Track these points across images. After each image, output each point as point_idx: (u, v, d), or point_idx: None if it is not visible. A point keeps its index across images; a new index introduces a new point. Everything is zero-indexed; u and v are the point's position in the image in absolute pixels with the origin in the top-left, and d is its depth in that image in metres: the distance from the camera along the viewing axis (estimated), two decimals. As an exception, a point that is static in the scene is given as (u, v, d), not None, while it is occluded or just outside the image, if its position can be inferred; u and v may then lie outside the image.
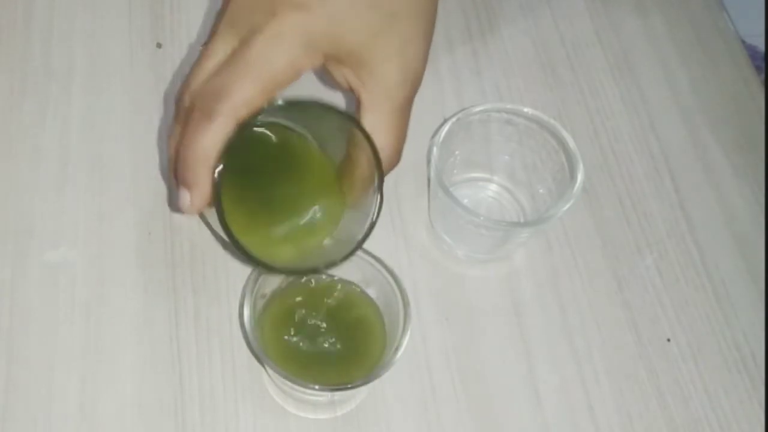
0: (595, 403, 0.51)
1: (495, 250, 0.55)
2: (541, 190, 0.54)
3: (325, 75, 0.46)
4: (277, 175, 0.46)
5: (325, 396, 0.48)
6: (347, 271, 0.49)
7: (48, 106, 0.57)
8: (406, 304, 0.46)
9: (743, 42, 0.68)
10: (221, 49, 0.42)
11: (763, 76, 0.68)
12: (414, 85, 0.43)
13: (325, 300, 0.48)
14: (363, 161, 0.42)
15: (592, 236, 0.57)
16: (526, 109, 0.53)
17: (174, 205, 0.52)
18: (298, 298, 0.48)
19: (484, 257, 0.55)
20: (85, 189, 0.55)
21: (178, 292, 0.52)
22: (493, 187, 0.57)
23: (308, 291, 0.48)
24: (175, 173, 0.43)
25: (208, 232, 0.54)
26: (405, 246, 0.55)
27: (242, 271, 0.52)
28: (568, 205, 0.50)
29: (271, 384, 0.50)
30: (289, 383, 0.44)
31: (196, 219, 0.54)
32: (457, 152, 0.53)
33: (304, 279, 0.48)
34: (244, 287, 0.49)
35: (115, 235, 0.53)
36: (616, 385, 0.52)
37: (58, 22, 0.61)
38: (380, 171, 0.42)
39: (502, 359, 0.52)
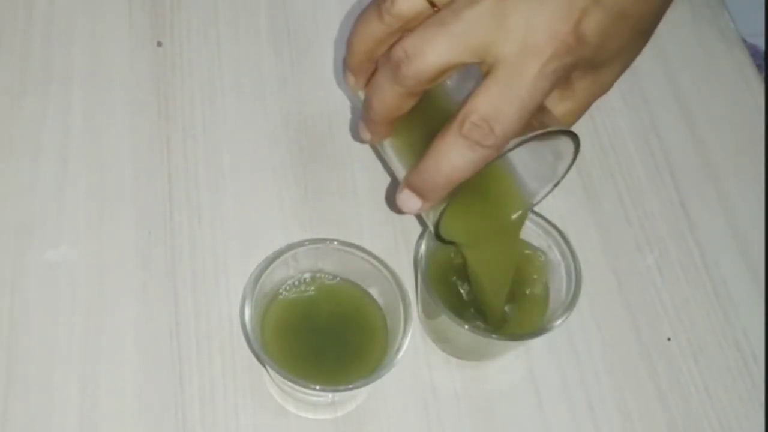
0: (596, 402, 0.51)
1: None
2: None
3: None
4: None
5: (325, 396, 0.48)
6: (348, 271, 0.49)
7: (48, 106, 0.57)
8: (407, 305, 0.46)
9: (744, 41, 0.68)
10: (475, 38, 0.38)
11: (763, 75, 0.68)
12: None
13: (326, 300, 0.48)
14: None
15: (592, 235, 0.57)
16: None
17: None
18: (299, 298, 0.48)
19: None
20: (86, 188, 0.55)
21: (178, 292, 0.52)
22: None
23: (309, 291, 0.49)
24: (408, 181, 0.42)
25: (208, 232, 0.54)
26: (405, 246, 0.55)
27: (243, 270, 0.52)
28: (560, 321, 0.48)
29: (271, 384, 0.50)
30: (289, 383, 0.44)
31: (196, 218, 0.54)
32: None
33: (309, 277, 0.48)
34: (245, 287, 0.49)
35: (115, 235, 0.53)
36: (616, 384, 0.52)
37: (58, 21, 0.61)
38: (576, 143, 0.42)
39: (502, 359, 0.52)
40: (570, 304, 0.48)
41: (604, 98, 0.62)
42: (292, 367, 0.45)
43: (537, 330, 0.48)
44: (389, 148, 0.45)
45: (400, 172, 0.44)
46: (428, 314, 0.51)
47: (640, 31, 0.41)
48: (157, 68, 0.60)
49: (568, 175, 0.48)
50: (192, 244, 0.53)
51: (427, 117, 0.42)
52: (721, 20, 0.67)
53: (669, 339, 0.54)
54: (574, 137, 0.42)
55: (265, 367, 0.49)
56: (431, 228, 0.43)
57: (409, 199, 0.41)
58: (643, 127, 0.62)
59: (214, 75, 0.60)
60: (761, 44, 0.74)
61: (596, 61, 0.40)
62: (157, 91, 0.59)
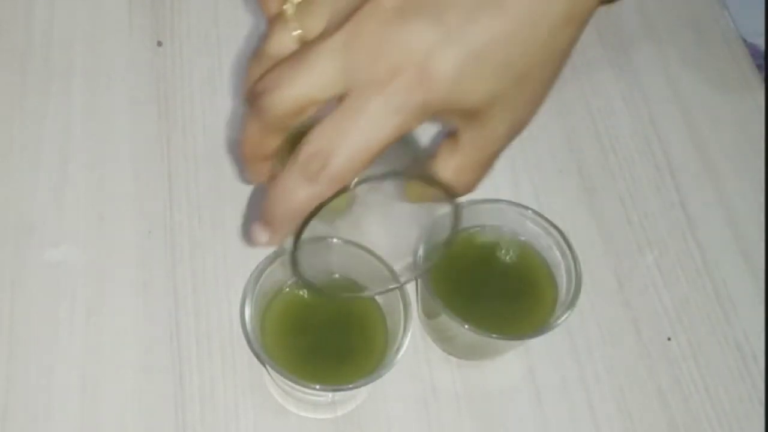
0: (596, 402, 0.51)
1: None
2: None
3: None
4: None
5: (326, 396, 0.48)
6: (348, 271, 0.49)
7: (48, 105, 0.57)
8: (407, 305, 0.46)
9: (744, 41, 0.68)
10: (325, 72, 0.37)
11: (763, 75, 0.68)
12: (517, 134, 0.41)
13: (326, 300, 0.48)
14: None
15: (592, 235, 0.57)
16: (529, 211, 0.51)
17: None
18: (299, 298, 0.48)
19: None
20: (86, 188, 0.55)
21: (178, 292, 0.52)
22: None
23: (309, 290, 0.49)
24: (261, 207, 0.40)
25: (208, 232, 0.54)
26: (405, 245, 0.55)
27: (243, 270, 0.52)
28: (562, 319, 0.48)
29: (271, 384, 0.50)
30: (290, 383, 0.44)
31: (196, 218, 0.54)
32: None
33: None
34: (245, 286, 0.49)
35: (115, 234, 0.53)
36: (616, 384, 0.52)
37: (59, 21, 0.61)
38: (457, 213, 0.41)
39: (502, 359, 0.52)
40: (570, 304, 0.48)
41: (605, 97, 0.63)
42: (292, 367, 0.45)
43: (537, 330, 0.48)
44: None
45: None
46: (428, 314, 0.51)
47: (517, 79, 0.38)
48: (157, 68, 0.60)
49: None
50: (192, 244, 0.53)
51: None
52: (721, 20, 0.68)
53: (669, 339, 0.54)
54: (453, 202, 0.40)
55: (265, 366, 0.49)
56: (289, 260, 0.42)
57: (257, 232, 0.40)
58: (643, 127, 0.62)
59: (214, 75, 0.60)
60: (761, 44, 0.74)
61: (466, 106, 0.38)
62: (157, 91, 0.59)
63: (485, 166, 0.41)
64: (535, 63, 0.38)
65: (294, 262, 0.41)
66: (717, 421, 0.51)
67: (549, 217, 0.50)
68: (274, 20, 0.39)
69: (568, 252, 0.49)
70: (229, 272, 0.53)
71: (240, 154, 0.41)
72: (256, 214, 0.39)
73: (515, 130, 0.40)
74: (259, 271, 0.46)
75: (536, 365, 0.52)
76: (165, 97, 0.58)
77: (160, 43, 0.61)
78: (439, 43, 0.35)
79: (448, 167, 0.40)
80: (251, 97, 0.39)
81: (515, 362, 0.52)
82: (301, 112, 0.38)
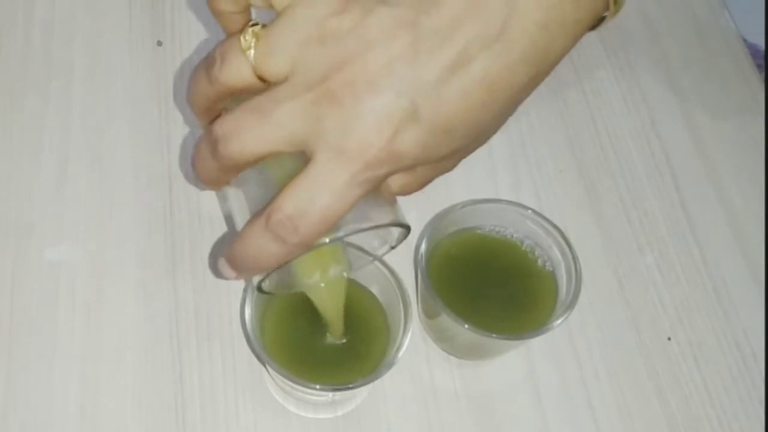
0: (596, 402, 0.51)
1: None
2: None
3: None
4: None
5: (325, 396, 0.48)
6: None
7: (49, 105, 0.57)
8: (407, 304, 0.46)
9: (744, 40, 0.68)
10: (291, 130, 0.36)
11: (763, 74, 0.68)
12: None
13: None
14: None
15: (592, 234, 0.57)
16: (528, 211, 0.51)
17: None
18: (299, 298, 0.48)
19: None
20: (86, 187, 0.55)
21: (178, 291, 0.52)
22: None
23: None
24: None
25: (208, 232, 0.54)
26: (405, 245, 0.55)
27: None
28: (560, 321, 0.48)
29: (271, 383, 0.50)
30: (289, 383, 0.44)
31: (196, 217, 0.54)
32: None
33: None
34: (245, 286, 0.49)
35: (115, 234, 0.53)
36: (616, 383, 0.52)
37: (59, 21, 0.61)
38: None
39: (502, 359, 0.52)
40: (570, 304, 0.48)
41: (605, 97, 0.63)
42: (292, 367, 0.45)
43: (537, 330, 0.48)
44: (230, 197, 0.44)
45: (237, 223, 0.43)
46: (428, 313, 0.51)
47: (479, 133, 0.39)
48: (158, 68, 0.60)
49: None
50: (192, 244, 0.53)
51: (261, 180, 0.40)
52: (721, 19, 0.68)
53: (669, 338, 0.54)
54: (403, 229, 0.42)
55: (265, 366, 0.49)
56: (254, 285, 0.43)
57: (224, 268, 0.41)
58: (643, 127, 0.62)
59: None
60: (761, 44, 0.74)
61: (424, 164, 0.38)
62: (158, 91, 0.59)
63: (430, 182, 0.42)
64: (500, 116, 0.38)
65: (260, 290, 0.43)
66: (717, 421, 0.51)
67: (549, 217, 0.50)
68: (232, 42, 0.38)
69: (568, 252, 0.49)
70: (229, 272, 0.53)
71: (197, 174, 0.41)
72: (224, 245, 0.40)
73: (463, 158, 0.41)
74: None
75: (536, 365, 0.52)
76: (165, 96, 0.58)
77: (160, 43, 0.61)
78: (409, 118, 0.35)
79: (396, 182, 0.40)
80: (209, 137, 0.38)
81: (515, 362, 0.52)
82: (259, 160, 0.38)
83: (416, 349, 0.52)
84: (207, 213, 0.54)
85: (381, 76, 0.35)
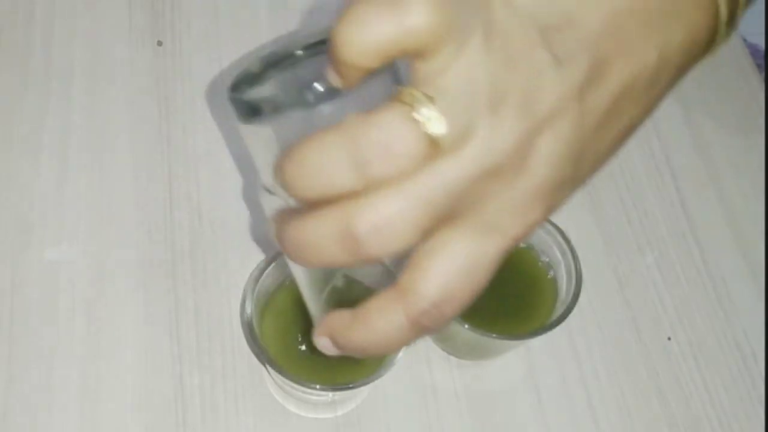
0: (596, 402, 0.51)
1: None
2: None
3: None
4: None
5: (325, 396, 0.48)
6: (349, 270, 0.49)
7: (49, 105, 0.57)
8: (406, 304, 0.46)
9: (744, 40, 0.68)
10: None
11: (763, 74, 0.68)
12: None
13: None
14: None
15: (592, 234, 0.57)
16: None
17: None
18: (300, 297, 0.48)
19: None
20: (86, 187, 0.55)
21: (178, 291, 0.52)
22: None
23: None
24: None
25: (208, 232, 0.54)
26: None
27: (243, 269, 0.52)
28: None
29: (271, 383, 0.50)
30: (290, 383, 0.44)
31: (197, 217, 0.54)
32: None
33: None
34: (245, 286, 0.49)
35: (115, 234, 0.53)
36: (616, 383, 0.52)
37: (59, 21, 0.61)
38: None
39: (502, 359, 0.52)
40: (570, 304, 0.48)
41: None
42: (292, 367, 0.45)
43: (537, 330, 0.48)
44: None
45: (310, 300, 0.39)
46: (428, 314, 0.51)
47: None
48: (158, 67, 0.60)
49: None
50: (192, 244, 0.53)
51: None
52: (721, 20, 0.67)
53: (669, 338, 0.54)
54: None
55: (265, 366, 0.49)
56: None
57: (327, 347, 0.35)
58: (643, 127, 0.62)
59: (214, 75, 0.60)
60: (761, 44, 0.74)
61: None
62: (158, 91, 0.59)
63: None
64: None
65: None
66: (717, 421, 0.51)
67: (549, 217, 0.50)
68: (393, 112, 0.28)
69: (568, 252, 0.49)
70: (229, 272, 0.53)
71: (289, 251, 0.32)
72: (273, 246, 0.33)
73: None
74: (259, 271, 0.46)
75: (536, 365, 0.52)
76: (165, 96, 0.58)
77: (160, 43, 0.61)
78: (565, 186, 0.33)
79: None
80: (343, 218, 0.29)
81: (515, 362, 0.52)
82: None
83: (416, 349, 0.52)
84: (207, 213, 0.55)
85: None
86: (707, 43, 0.35)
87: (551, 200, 0.32)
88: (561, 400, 0.51)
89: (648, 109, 0.35)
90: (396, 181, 0.28)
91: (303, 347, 0.47)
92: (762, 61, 0.69)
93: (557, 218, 0.51)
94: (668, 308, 0.55)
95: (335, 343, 0.34)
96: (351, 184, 0.29)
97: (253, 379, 0.50)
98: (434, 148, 0.28)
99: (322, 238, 0.30)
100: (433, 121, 0.28)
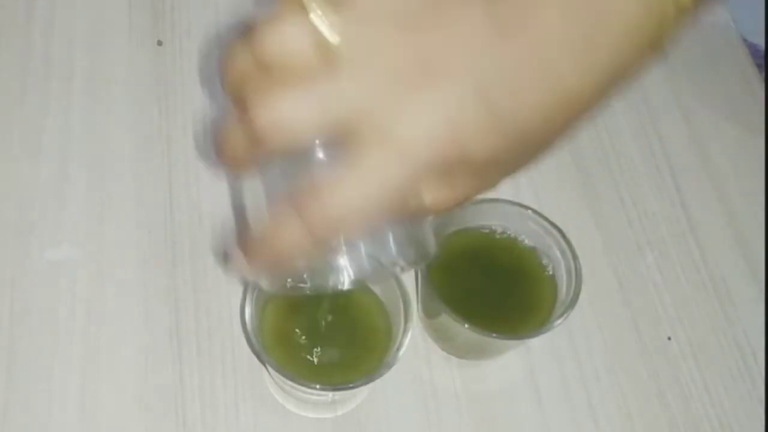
0: (596, 402, 0.51)
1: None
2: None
3: None
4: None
5: (325, 395, 0.48)
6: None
7: (49, 105, 0.57)
8: (407, 304, 0.46)
9: (744, 40, 0.68)
10: (339, 101, 0.31)
11: (763, 74, 0.68)
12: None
13: (327, 299, 0.48)
14: None
15: (592, 234, 0.57)
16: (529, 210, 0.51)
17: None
18: (299, 297, 0.48)
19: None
20: (86, 187, 0.55)
21: (178, 291, 0.52)
22: None
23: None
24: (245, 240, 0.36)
25: (208, 231, 0.54)
26: (405, 245, 0.55)
27: (243, 270, 0.52)
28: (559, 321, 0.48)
29: (271, 383, 0.50)
30: (290, 382, 0.44)
31: (197, 217, 0.54)
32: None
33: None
34: (246, 286, 0.49)
35: (115, 234, 0.53)
36: (616, 383, 0.52)
37: (59, 21, 0.61)
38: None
39: (502, 359, 0.52)
40: (570, 304, 0.48)
41: (604, 98, 0.62)
42: (292, 367, 0.45)
43: (537, 330, 0.48)
44: (247, 186, 0.40)
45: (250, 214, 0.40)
46: (428, 313, 0.51)
47: (548, 145, 0.35)
48: (158, 67, 0.60)
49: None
50: (193, 243, 0.53)
51: (287, 169, 0.35)
52: (721, 20, 0.67)
53: (669, 338, 0.54)
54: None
55: (265, 366, 0.49)
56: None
57: (239, 259, 0.36)
58: (643, 127, 0.62)
59: (215, 74, 0.60)
60: (761, 44, 0.74)
61: (483, 170, 0.34)
62: (158, 90, 0.59)
63: (468, 201, 0.38)
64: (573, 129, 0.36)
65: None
66: (717, 421, 0.51)
67: (549, 217, 0.50)
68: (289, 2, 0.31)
69: (568, 252, 0.49)
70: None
71: (216, 148, 0.35)
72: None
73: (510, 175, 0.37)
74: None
75: (536, 365, 0.52)
76: (165, 97, 0.58)
77: (160, 43, 0.61)
78: (483, 110, 0.32)
79: (431, 195, 0.36)
80: (243, 104, 0.32)
81: (515, 362, 0.52)
82: (292, 141, 0.32)
83: (416, 349, 0.52)
84: (207, 213, 0.54)
85: (458, 63, 0.31)
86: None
87: (459, 123, 0.31)
88: (561, 400, 0.51)
89: (589, 73, 0.33)
90: (297, 83, 0.31)
91: (303, 347, 0.47)
92: (762, 61, 0.69)
93: (557, 218, 0.51)
94: (668, 308, 0.55)
95: (246, 254, 0.36)
96: (258, 83, 0.31)
97: (253, 379, 0.50)
98: (328, 54, 0.30)
99: (235, 138, 0.33)
100: (326, 27, 0.30)
